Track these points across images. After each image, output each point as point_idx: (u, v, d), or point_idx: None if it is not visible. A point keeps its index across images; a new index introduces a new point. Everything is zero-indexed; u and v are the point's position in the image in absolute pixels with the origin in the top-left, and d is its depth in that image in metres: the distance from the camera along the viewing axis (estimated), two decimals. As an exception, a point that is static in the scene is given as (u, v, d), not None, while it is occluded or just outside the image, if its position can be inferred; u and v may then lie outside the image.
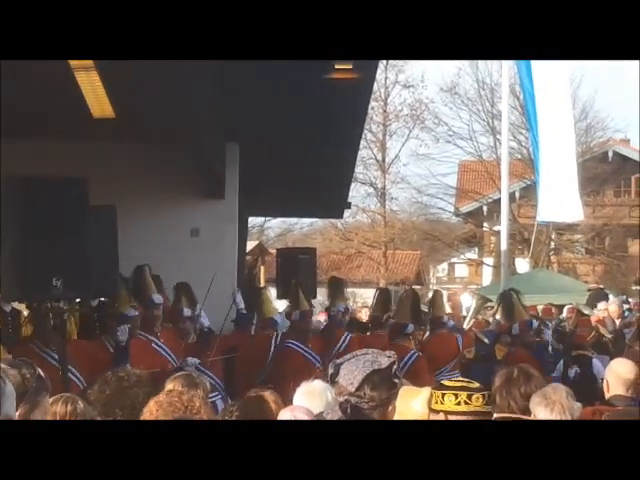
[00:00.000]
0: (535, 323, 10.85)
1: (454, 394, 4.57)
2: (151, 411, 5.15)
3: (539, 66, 14.72)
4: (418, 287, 45.86)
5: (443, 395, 4.59)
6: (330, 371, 4.27)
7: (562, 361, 12.02)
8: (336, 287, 12.74)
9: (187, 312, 10.74)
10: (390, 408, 4.64)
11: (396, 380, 4.37)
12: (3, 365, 4.10)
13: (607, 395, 6.61)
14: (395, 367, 4.32)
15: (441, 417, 4.60)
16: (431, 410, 4.66)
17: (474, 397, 4.57)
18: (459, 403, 4.56)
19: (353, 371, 4.18)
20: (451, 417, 4.56)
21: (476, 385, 4.70)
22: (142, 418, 5.18)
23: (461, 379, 4.80)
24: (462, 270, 51.15)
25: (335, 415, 4.14)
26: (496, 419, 3.65)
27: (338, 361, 4.29)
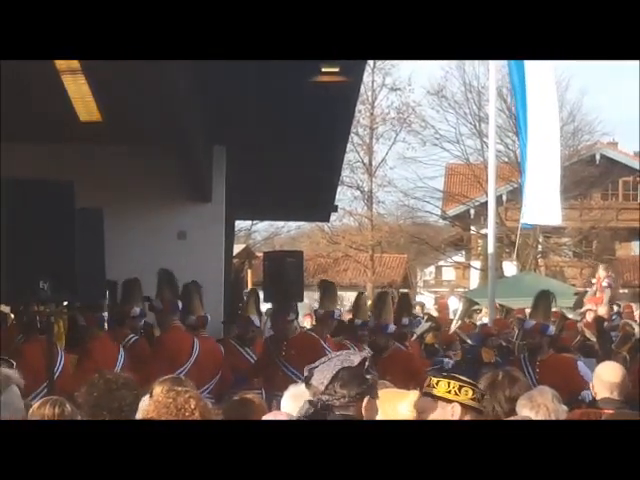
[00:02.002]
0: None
1: (472, 389, 4.70)
2: (148, 411, 5.17)
3: (529, 67, 14.73)
4: (405, 291, 46.04)
5: (460, 387, 4.68)
6: (305, 374, 4.29)
7: None
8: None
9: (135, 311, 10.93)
10: (364, 403, 4.70)
11: (368, 376, 4.39)
12: None
13: (596, 398, 6.63)
14: (367, 364, 4.34)
15: (451, 408, 4.67)
16: (440, 398, 4.70)
17: (485, 396, 4.72)
18: (474, 399, 4.68)
19: (324, 371, 4.21)
20: (462, 410, 4.66)
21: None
22: (139, 417, 5.19)
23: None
24: (449, 273, 51.18)
25: (314, 415, 4.15)
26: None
27: (312, 365, 4.31)
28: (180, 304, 10.66)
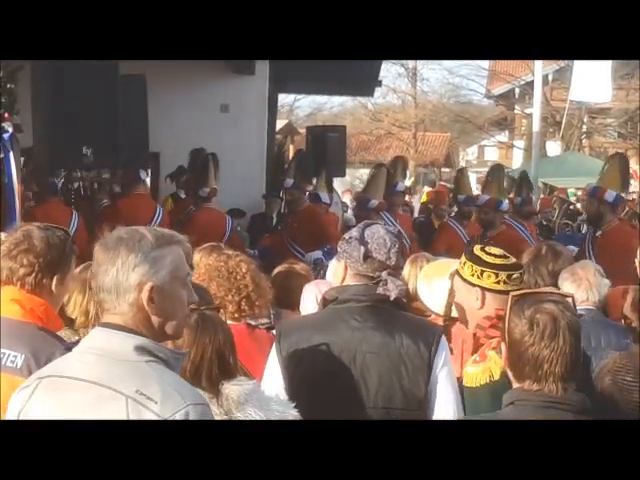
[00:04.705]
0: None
1: (494, 273, 4.54)
2: (199, 273, 5.23)
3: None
4: (447, 170, 45.85)
5: (482, 272, 4.56)
6: (361, 248, 4.18)
7: None
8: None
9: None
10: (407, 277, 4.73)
11: (402, 249, 4.38)
12: (32, 227, 4.17)
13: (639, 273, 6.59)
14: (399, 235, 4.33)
15: (475, 292, 4.60)
16: (465, 280, 4.64)
17: (513, 277, 4.54)
18: (498, 282, 4.53)
19: (384, 245, 4.11)
20: (487, 294, 4.56)
21: (513, 261, 4.66)
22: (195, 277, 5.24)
23: (498, 252, 4.69)
24: (492, 153, 50.77)
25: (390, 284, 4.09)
26: (514, 295, 3.58)
27: (357, 237, 4.21)
28: (143, 174, 10.75)
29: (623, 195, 10.23)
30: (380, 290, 4.11)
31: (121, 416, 2.78)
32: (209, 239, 9.94)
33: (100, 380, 2.85)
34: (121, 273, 2.93)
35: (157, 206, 10.80)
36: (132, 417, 2.78)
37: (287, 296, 5.83)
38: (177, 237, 3.08)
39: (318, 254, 10.66)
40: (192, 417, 2.80)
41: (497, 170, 11.23)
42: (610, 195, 9.65)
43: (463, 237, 11.54)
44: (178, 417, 2.78)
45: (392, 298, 4.09)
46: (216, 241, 10.45)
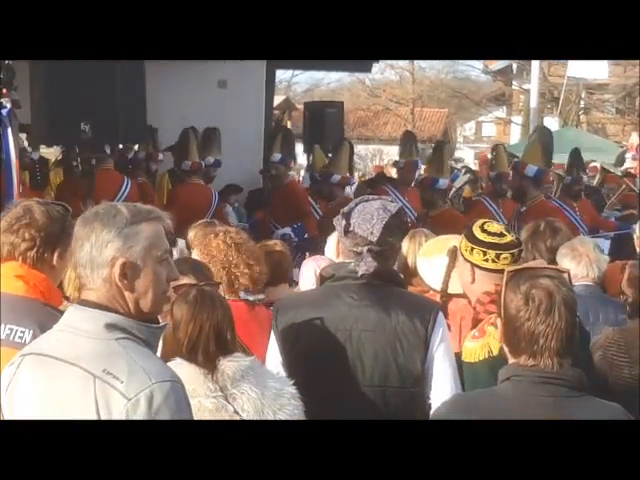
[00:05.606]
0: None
1: (482, 251, 4.54)
2: (197, 250, 5.28)
3: None
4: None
5: (472, 249, 4.58)
6: (342, 222, 4.16)
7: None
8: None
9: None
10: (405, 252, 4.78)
11: (404, 226, 4.33)
12: (31, 202, 4.18)
13: (638, 250, 6.61)
14: (402, 212, 4.26)
15: (468, 267, 4.61)
16: (462, 255, 4.65)
17: (502, 256, 4.54)
18: (487, 260, 4.53)
19: (369, 220, 4.05)
20: (477, 270, 4.57)
21: (508, 239, 4.61)
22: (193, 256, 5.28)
23: (495, 229, 4.65)
24: (490, 129, 50.72)
25: (362, 261, 4.06)
26: (509, 271, 3.56)
27: (345, 210, 4.17)
28: (108, 148, 10.59)
29: (546, 169, 10.21)
30: (351, 266, 4.09)
31: (89, 396, 2.79)
32: (192, 214, 10.00)
33: (72, 359, 2.86)
34: (95, 248, 2.93)
35: (124, 179, 10.63)
36: (99, 397, 2.78)
37: (270, 274, 5.80)
38: (155, 213, 3.04)
39: (286, 230, 10.66)
40: (157, 396, 2.79)
41: (438, 148, 11.07)
42: (531, 170, 9.70)
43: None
44: (142, 396, 2.77)
45: (359, 274, 4.06)
46: (200, 216, 10.55)
